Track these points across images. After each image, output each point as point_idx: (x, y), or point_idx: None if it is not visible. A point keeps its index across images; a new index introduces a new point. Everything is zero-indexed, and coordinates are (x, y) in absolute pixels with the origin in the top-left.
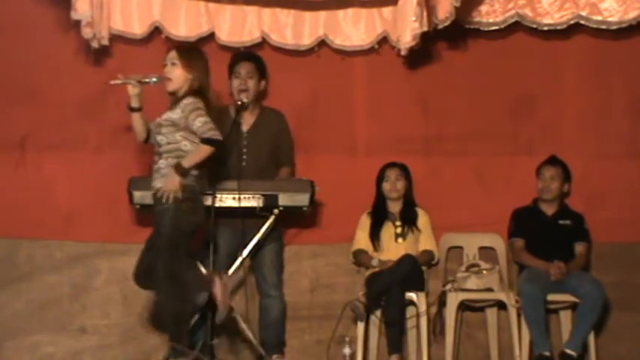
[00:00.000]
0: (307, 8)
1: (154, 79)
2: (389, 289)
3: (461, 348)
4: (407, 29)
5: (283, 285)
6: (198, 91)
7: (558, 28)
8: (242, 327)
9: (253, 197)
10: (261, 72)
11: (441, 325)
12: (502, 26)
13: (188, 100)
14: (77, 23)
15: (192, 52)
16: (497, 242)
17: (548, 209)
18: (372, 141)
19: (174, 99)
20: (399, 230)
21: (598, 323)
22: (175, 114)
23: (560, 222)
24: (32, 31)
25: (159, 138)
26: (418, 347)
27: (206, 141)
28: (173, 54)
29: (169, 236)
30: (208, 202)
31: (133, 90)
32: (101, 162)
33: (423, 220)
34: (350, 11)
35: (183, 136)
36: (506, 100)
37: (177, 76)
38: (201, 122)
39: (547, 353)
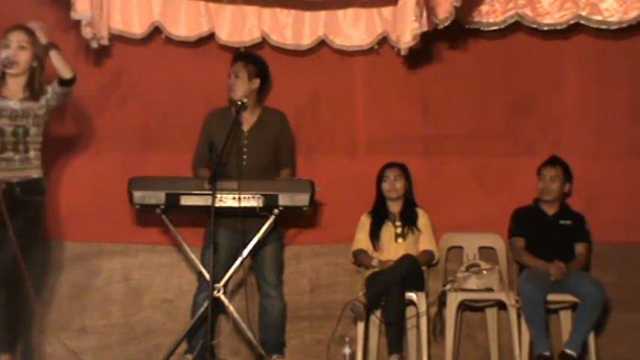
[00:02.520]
0: (307, 8)
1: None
2: (389, 289)
3: (461, 348)
4: (407, 29)
5: (283, 285)
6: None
7: (558, 28)
8: (242, 327)
9: (253, 197)
10: (254, 70)
11: (441, 325)
12: (502, 26)
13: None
14: (77, 23)
15: (35, 36)
16: (497, 242)
17: (549, 209)
18: (372, 141)
19: (26, 84)
20: (399, 230)
21: (598, 323)
22: (36, 104)
23: (561, 222)
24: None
25: (33, 130)
26: (418, 347)
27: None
28: (22, 36)
29: (39, 231)
30: (208, 202)
31: None
32: (101, 162)
33: (423, 220)
34: (350, 11)
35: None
36: (506, 100)
37: (26, 60)
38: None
39: (547, 353)
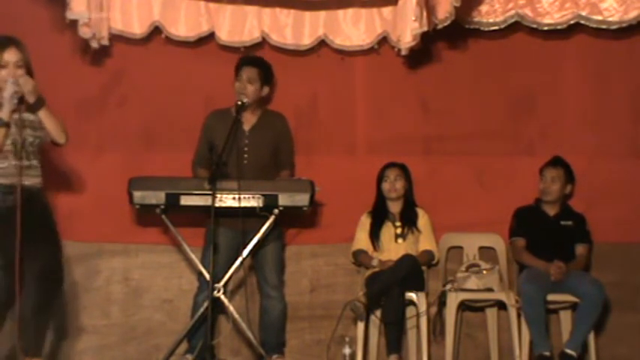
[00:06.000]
0: (307, 8)
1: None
2: (389, 289)
3: (461, 348)
4: (407, 29)
5: (284, 285)
6: None
7: (558, 28)
8: (242, 327)
9: (253, 197)
10: (265, 78)
11: (441, 325)
12: (502, 26)
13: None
14: (74, 23)
15: (23, 47)
16: (497, 242)
17: (551, 210)
18: (372, 141)
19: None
20: (399, 230)
21: (598, 323)
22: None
23: (562, 223)
24: (30, 31)
25: (38, 141)
26: (418, 347)
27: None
28: (17, 55)
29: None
30: (208, 202)
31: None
32: (101, 162)
33: (423, 220)
34: (350, 11)
35: None
36: (506, 100)
37: (24, 74)
38: None
39: (547, 353)
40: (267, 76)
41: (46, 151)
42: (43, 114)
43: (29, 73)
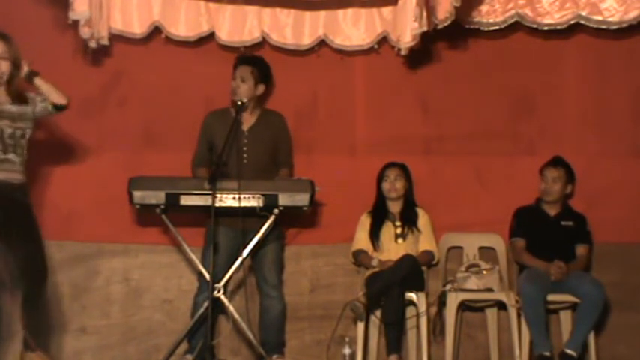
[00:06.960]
0: (307, 8)
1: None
2: (389, 289)
3: (461, 348)
4: (407, 29)
5: (283, 285)
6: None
7: (558, 28)
8: (242, 327)
9: (253, 197)
10: (260, 76)
11: (441, 325)
12: (502, 26)
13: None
14: (75, 23)
15: (9, 41)
16: (497, 242)
17: (551, 210)
18: (372, 141)
19: (9, 90)
20: (399, 230)
21: (598, 323)
22: (29, 108)
23: (563, 223)
24: (31, 31)
25: (28, 133)
26: (418, 347)
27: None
28: (1, 46)
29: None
30: (208, 202)
31: None
32: (101, 162)
33: (423, 220)
34: (350, 11)
35: None
36: (506, 100)
37: (8, 69)
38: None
39: (547, 353)
40: (261, 74)
41: (45, 151)
42: (38, 81)
43: (16, 66)
